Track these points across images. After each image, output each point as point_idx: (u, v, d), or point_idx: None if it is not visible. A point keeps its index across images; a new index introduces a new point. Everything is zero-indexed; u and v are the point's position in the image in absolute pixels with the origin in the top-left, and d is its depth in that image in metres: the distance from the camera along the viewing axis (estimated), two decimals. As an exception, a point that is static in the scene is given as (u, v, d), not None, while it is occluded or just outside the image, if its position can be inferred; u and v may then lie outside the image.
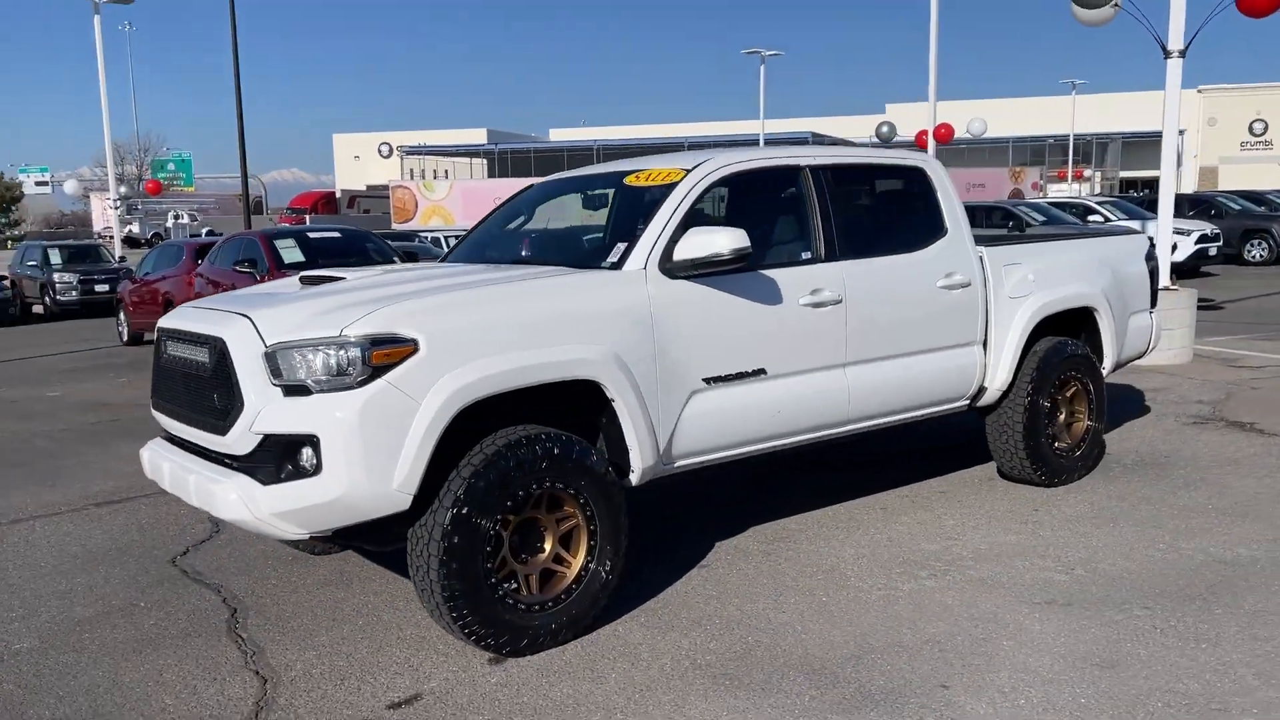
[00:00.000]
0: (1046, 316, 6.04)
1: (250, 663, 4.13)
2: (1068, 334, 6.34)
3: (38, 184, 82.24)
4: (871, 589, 4.65)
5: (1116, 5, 10.88)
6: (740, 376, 4.75)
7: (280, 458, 3.82)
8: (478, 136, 79.16)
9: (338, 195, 73.74)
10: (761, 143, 47.68)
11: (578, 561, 4.22)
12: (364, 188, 76.30)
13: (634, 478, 4.44)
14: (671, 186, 4.82)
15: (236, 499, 3.84)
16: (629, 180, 5.18)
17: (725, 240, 4.43)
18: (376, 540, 4.16)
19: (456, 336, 3.92)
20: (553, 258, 5.04)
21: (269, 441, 3.83)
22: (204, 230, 47.07)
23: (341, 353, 3.78)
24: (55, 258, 24.58)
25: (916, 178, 5.73)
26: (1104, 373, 6.51)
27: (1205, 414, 8.03)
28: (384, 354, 3.79)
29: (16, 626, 4.63)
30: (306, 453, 3.78)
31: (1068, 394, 6.28)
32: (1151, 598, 4.44)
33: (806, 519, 5.72)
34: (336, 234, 13.50)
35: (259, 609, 4.71)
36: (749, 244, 4.46)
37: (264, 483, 3.82)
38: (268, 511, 3.80)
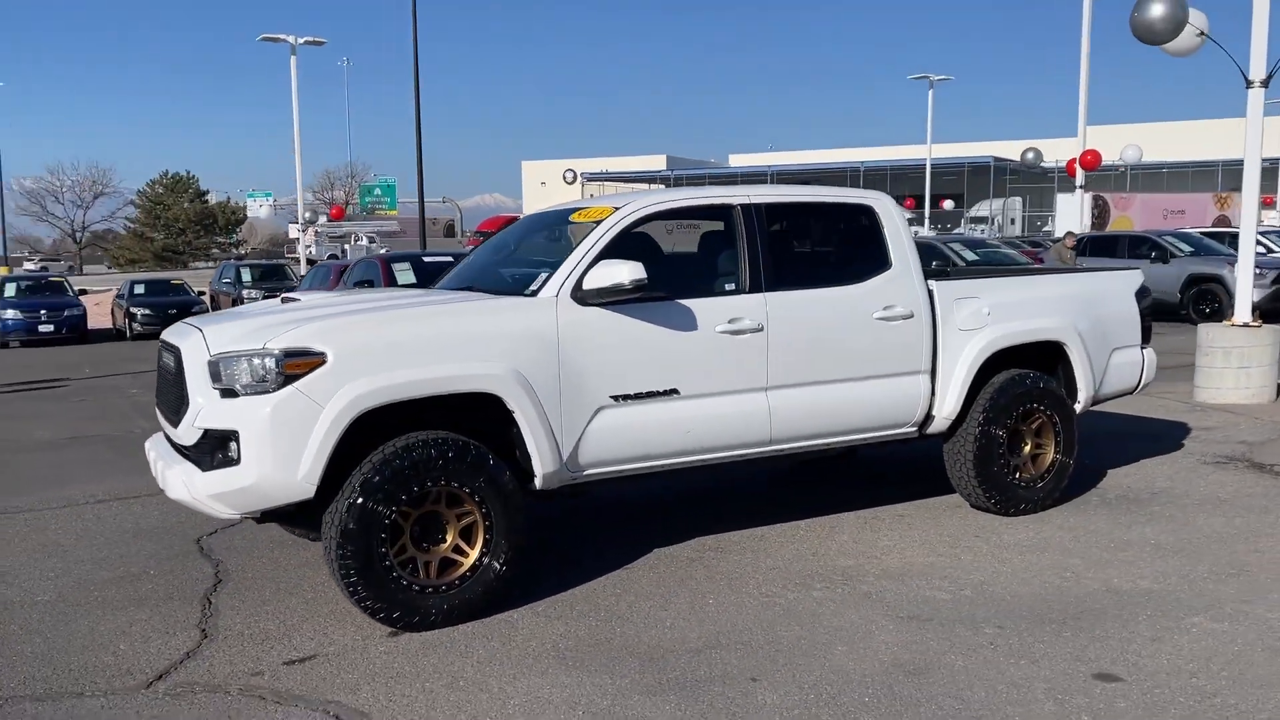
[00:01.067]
0: (1003, 349, 6.22)
1: (203, 622, 4.91)
2: (1038, 367, 6.48)
3: (259, 207, 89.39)
4: (758, 596, 5.03)
5: (1202, 35, 10.65)
6: (651, 395, 5.23)
7: (214, 449, 4.59)
8: (657, 163, 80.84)
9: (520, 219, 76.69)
10: (928, 167, 46.99)
11: (474, 554, 4.80)
12: (549, 212, 79.43)
13: (538, 482, 4.99)
14: (598, 224, 5.36)
15: (181, 482, 4.64)
16: (573, 217, 5.77)
17: (625, 272, 4.95)
18: (301, 524, 4.87)
19: (361, 351, 4.60)
20: (494, 286, 5.66)
21: (207, 435, 4.60)
22: (383, 252, 50.00)
23: (261, 362, 4.51)
24: (246, 276, 27.10)
25: (864, 215, 6.05)
26: (1078, 407, 6.59)
27: (1234, 454, 7.87)
28: (295, 364, 4.51)
29: (46, 583, 5.59)
30: (232, 445, 4.53)
31: (1033, 426, 6.41)
32: (1013, 618, 4.65)
33: (753, 532, 6.10)
34: (449, 257, 14.57)
35: (238, 581, 5.51)
36: (645, 276, 4.96)
37: (202, 470, 4.60)
38: (203, 494, 4.57)
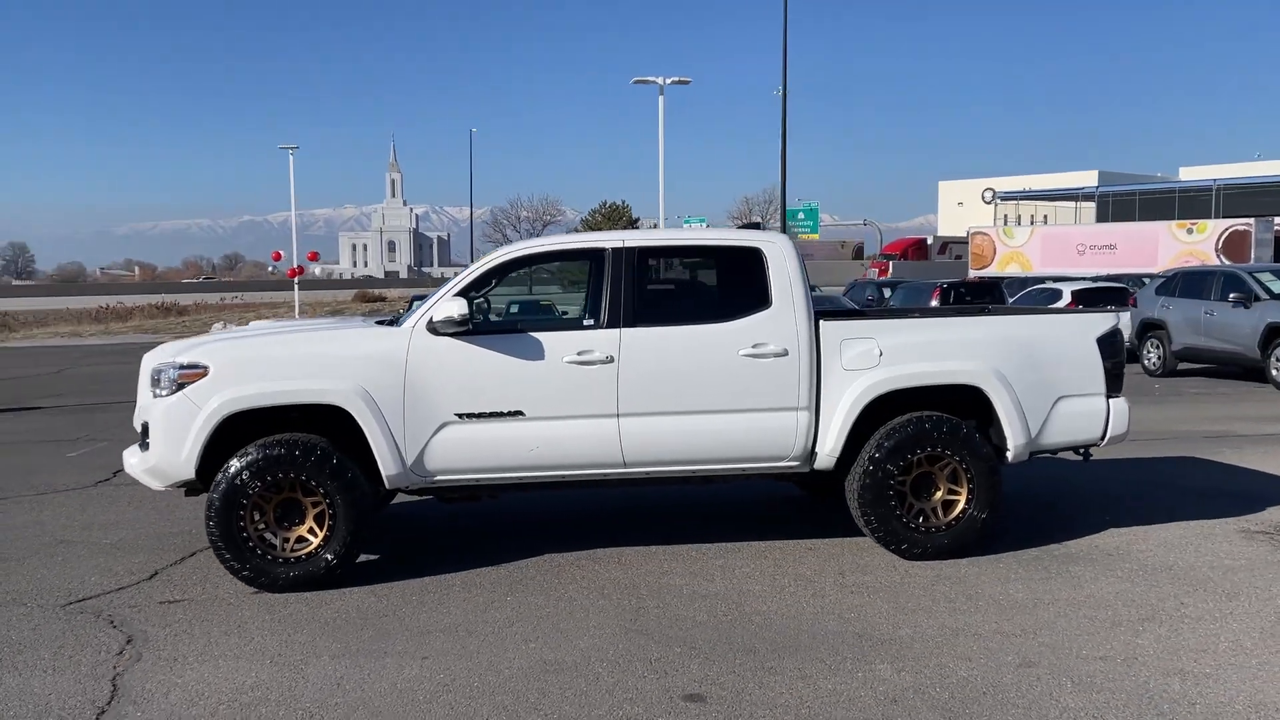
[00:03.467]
0: (893, 390, 6.20)
1: (151, 565, 6.41)
2: (966, 412, 6.33)
3: None
4: (559, 599, 5.63)
5: None
6: (496, 415, 6.01)
7: (143, 436, 6.07)
8: (1088, 179, 75.92)
9: (929, 241, 75.36)
10: None
11: (320, 537, 5.89)
12: (965, 234, 77.43)
13: (386, 482, 5.97)
14: (466, 267, 6.25)
15: (129, 462, 6.17)
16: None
17: (455, 308, 5.83)
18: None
19: (234, 367, 5.88)
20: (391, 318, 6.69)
21: (143, 426, 6.10)
22: None
23: (169, 373, 5.93)
24: None
25: (748, 257, 6.34)
26: (1010, 456, 6.34)
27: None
28: (186, 375, 5.87)
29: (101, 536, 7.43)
30: (150, 434, 5.98)
31: (945, 471, 6.29)
32: (726, 643, 4.90)
33: (653, 550, 6.59)
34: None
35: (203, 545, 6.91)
36: (468, 312, 5.81)
37: (140, 452, 6.10)
38: (137, 469, 6.07)
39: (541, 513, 7.68)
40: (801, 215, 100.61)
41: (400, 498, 6.70)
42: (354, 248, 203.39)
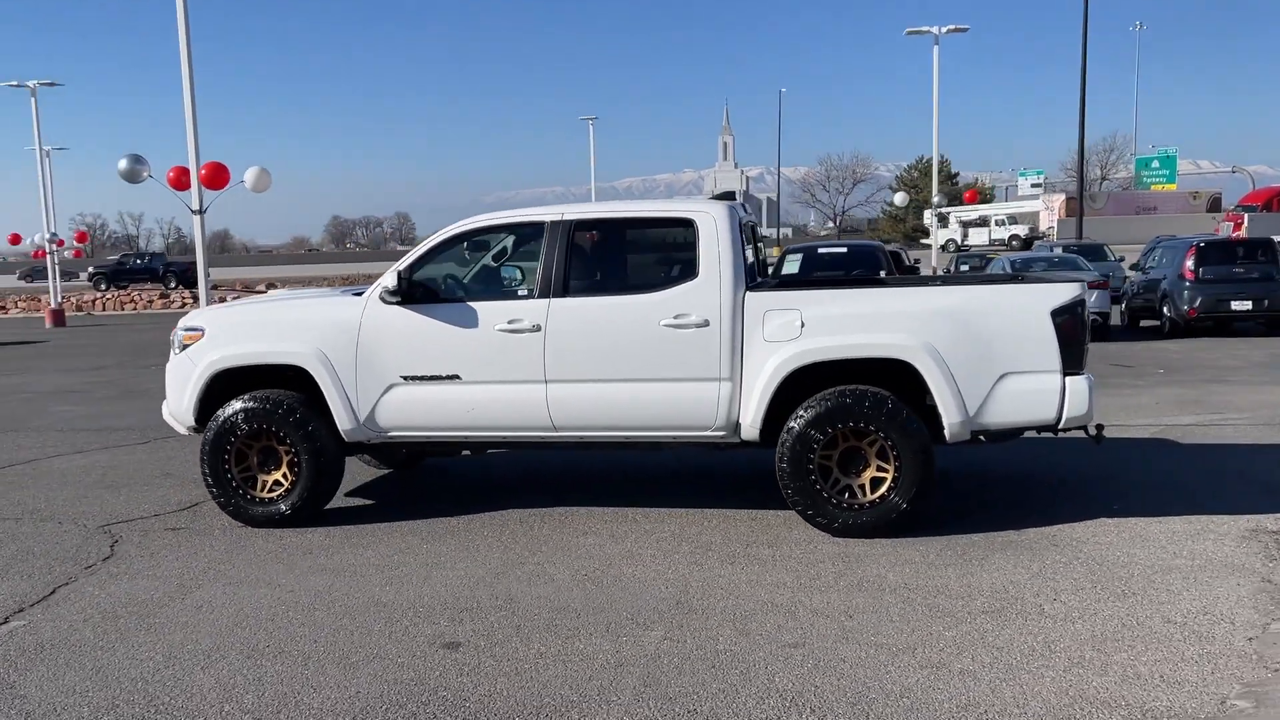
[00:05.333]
0: (815, 363, 6.06)
1: (197, 497, 7.53)
2: (900, 386, 6.09)
3: (1032, 185, 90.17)
4: (459, 550, 6.11)
5: None
6: (435, 379, 6.53)
7: (166, 389, 7.14)
8: None
9: (1290, 192, 66.86)
10: None
11: (288, 483, 6.69)
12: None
13: (344, 436, 6.67)
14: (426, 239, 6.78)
15: (163, 409, 7.29)
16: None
17: (390, 280, 6.40)
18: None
19: (224, 330, 6.79)
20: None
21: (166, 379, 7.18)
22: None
23: (180, 333, 6.95)
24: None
25: (683, 227, 6.39)
26: (948, 435, 6.01)
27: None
28: (189, 336, 6.87)
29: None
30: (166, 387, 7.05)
31: (873, 447, 6.08)
32: (532, 600, 5.17)
33: (600, 511, 6.87)
34: (843, 249, 15.31)
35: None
36: (396, 284, 6.36)
37: (164, 401, 7.20)
38: (166, 416, 7.16)
39: (540, 472, 8.14)
40: (1155, 164, 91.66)
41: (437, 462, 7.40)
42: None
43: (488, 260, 6.99)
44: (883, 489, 6.06)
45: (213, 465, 6.72)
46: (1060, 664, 4.24)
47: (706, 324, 6.19)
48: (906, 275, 8.14)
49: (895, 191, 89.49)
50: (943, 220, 64.50)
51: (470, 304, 6.51)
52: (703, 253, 6.28)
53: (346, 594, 5.37)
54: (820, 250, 15.50)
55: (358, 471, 8.30)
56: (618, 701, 4.02)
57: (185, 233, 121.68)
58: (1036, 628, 4.63)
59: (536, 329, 6.37)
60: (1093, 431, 6.64)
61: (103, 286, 52.27)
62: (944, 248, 57.84)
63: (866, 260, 14.86)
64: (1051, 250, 27.74)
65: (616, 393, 6.33)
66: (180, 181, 18.89)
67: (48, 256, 41.52)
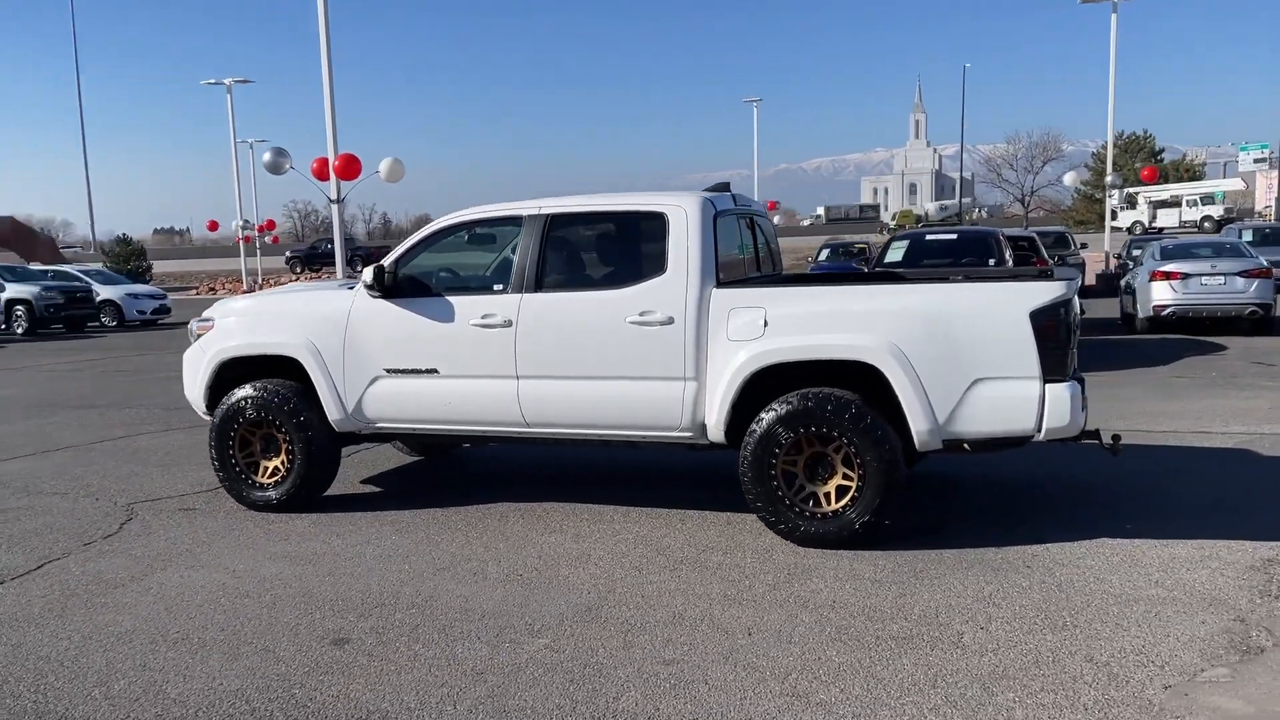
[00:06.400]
0: (777, 364, 5.78)
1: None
2: (868, 390, 5.75)
3: (1255, 161, 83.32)
4: (417, 543, 6.16)
5: None
6: (415, 372, 6.59)
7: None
8: None
9: None
10: None
11: (285, 470, 6.92)
12: None
13: (334, 425, 6.83)
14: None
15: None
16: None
17: (369, 274, 6.50)
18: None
19: (228, 322, 7.07)
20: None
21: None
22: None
23: (194, 324, 7.29)
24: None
25: (654, 221, 6.19)
26: (918, 444, 5.62)
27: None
28: (202, 327, 7.20)
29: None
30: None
31: (839, 453, 5.75)
32: (449, 601, 5.15)
33: (598, 510, 6.79)
34: (952, 236, 14.52)
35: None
36: (373, 279, 6.46)
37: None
38: (188, 397, 7.53)
39: (547, 464, 8.12)
40: None
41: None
42: (874, 191, 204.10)
43: (468, 255, 6.99)
44: (846, 499, 5.73)
45: (219, 450, 7.02)
46: (932, 701, 3.90)
47: (671, 321, 6.00)
48: (887, 272, 7.38)
49: (1091, 169, 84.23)
50: (1131, 201, 60.23)
51: (448, 298, 6.54)
52: (672, 248, 6.08)
53: (285, 583, 5.50)
54: (928, 236, 14.78)
55: (386, 458, 8.52)
56: (451, 713, 3.95)
57: (391, 218, 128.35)
58: (936, 659, 4.27)
59: (508, 324, 6.33)
60: (1107, 442, 6.09)
61: (298, 269, 55.72)
62: (1129, 230, 54.13)
63: (977, 248, 14.07)
64: (1236, 233, 25.49)
65: (585, 390, 6.23)
66: (322, 173, 19.86)
67: (245, 242, 44.54)
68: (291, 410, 6.83)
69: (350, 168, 18.79)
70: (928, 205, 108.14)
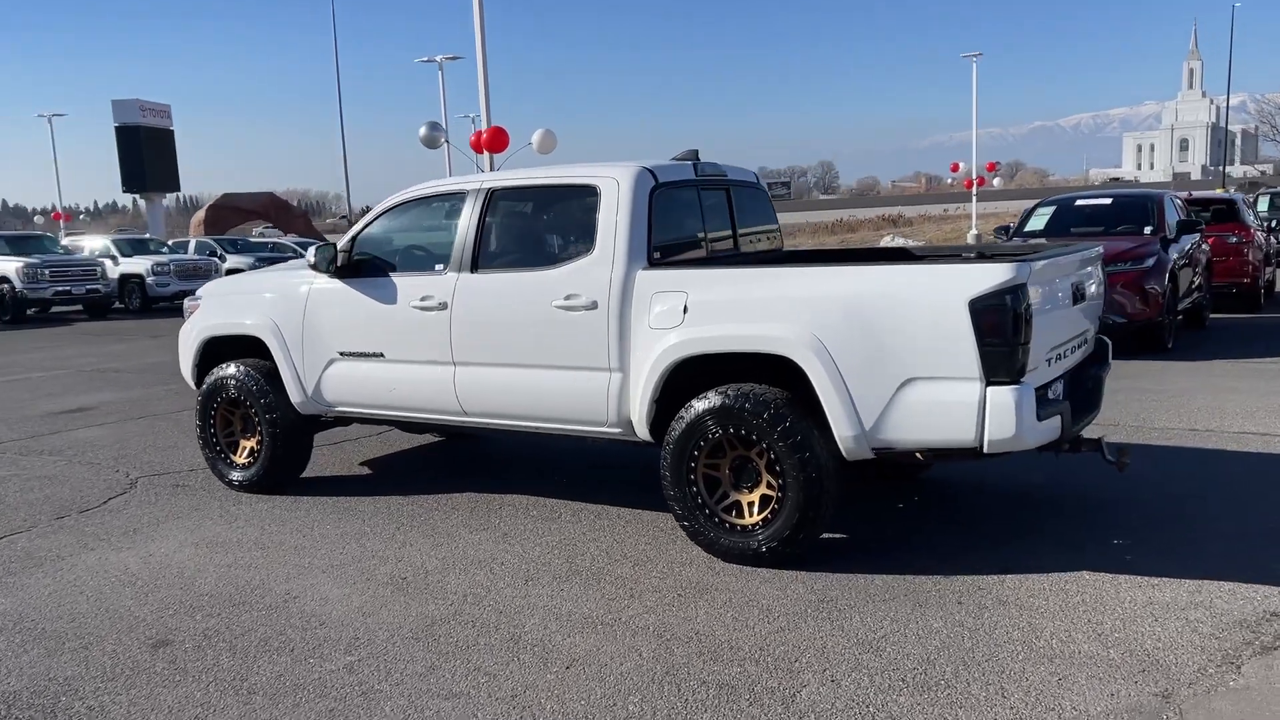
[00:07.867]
0: (694, 355, 5.13)
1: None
2: (796, 387, 5.02)
3: None
4: (365, 534, 5.94)
5: None
6: (364, 355, 6.35)
7: (183, 348, 7.58)
8: None
9: None
10: None
11: (257, 447, 6.86)
12: None
13: (298, 408, 6.70)
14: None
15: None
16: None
17: (312, 254, 6.30)
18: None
19: (211, 301, 7.07)
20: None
21: (185, 339, 7.60)
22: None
23: (188, 302, 7.36)
24: None
25: (588, 195, 5.62)
26: (844, 451, 4.85)
27: None
28: (192, 305, 7.24)
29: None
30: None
31: (762, 459, 5.05)
32: (285, 615, 4.87)
33: (557, 506, 6.37)
34: (1106, 200, 12.86)
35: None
36: (316, 258, 6.24)
37: (184, 356, 7.65)
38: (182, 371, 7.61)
39: (544, 455, 7.69)
40: None
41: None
42: (1139, 149, 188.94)
43: (422, 235, 6.63)
44: (768, 510, 5.03)
45: (202, 425, 7.07)
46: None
47: (595, 306, 5.45)
48: (832, 252, 6.21)
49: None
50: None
51: (394, 279, 6.24)
52: (601, 224, 5.51)
53: (179, 574, 5.39)
54: (1078, 202, 13.14)
55: (396, 438, 8.38)
56: (184, 735, 3.67)
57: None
58: (759, 713, 3.60)
59: (443, 307, 5.97)
60: (1110, 457, 5.10)
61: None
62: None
63: (1133, 213, 12.43)
64: None
65: (515, 379, 5.79)
66: (483, 145, 20.14)
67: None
68: (259, 391, 6.75)
69: (498, 140, 18.91)
70: None
